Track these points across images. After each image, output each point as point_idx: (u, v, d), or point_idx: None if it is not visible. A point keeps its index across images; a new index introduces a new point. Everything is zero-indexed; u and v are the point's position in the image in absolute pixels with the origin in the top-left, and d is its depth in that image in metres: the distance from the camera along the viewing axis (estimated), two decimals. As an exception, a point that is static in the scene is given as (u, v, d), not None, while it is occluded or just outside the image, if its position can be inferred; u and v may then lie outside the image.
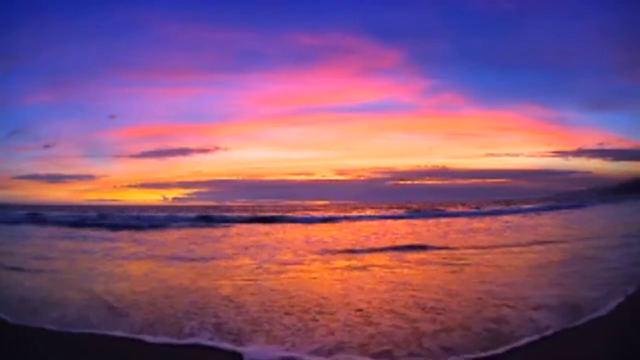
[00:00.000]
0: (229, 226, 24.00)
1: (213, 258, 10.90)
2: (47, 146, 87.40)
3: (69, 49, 69.33)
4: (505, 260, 9.78)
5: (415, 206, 52.76)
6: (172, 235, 18.46)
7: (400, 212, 40.05)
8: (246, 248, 13.18)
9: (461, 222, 25.30)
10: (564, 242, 12.93)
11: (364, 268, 9.09)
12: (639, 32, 67.24)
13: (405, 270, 8.74)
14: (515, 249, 11.60)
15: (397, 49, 69.34)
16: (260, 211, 46.60)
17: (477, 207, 46.29)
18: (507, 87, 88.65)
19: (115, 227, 22.87)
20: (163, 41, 70.89)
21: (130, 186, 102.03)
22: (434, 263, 9.62)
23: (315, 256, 11.09)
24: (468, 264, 9.31)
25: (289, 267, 9.29)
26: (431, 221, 27.05)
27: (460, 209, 44.15)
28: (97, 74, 76.13)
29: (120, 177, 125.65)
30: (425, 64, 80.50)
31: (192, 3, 66.71)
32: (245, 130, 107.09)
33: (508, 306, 5.66)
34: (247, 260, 10.37)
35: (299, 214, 37.03)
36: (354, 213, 41.62)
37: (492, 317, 5.18)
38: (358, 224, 26.01)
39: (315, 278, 8.10)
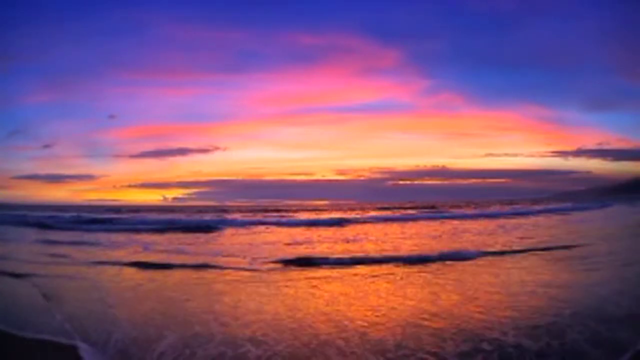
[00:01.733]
0: (216, 230, 22.00)
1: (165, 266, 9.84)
2: (47, 146, 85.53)
3: (69, 49, 68.49)
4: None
5: (420, 205, 48.89)
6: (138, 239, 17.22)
7: (415, 212, 36.27)
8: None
9: (497, 222, 23.24)
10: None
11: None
12: (639, 32, 66.38)
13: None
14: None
15: (397, 48, 68.02)
16: (261, 211, 42.78)
17: (476, 207, 43.07)
18: (506, 87, 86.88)
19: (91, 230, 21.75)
20: (163, 41, 69.51)
21: (130, 186, 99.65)
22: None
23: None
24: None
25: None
26: (467, 222, 24.29)
27: (471, 210, 40.67)
28: (97, 74, 74.99)
29: (120, 177, 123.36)
30: (425, 64, 79.26)
31: (192, 3, 65.84)
32: (245, 130, 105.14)
33: None
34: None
35: (303, 216, 33.38)
36: (367, 213, 38.21)
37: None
38: (381, 226, 22.86)
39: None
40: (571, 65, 73.78)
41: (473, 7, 61.50)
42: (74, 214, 34.67)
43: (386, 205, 58.36)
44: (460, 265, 9.18)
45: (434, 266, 9.13)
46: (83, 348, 4.31)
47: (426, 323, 5.03)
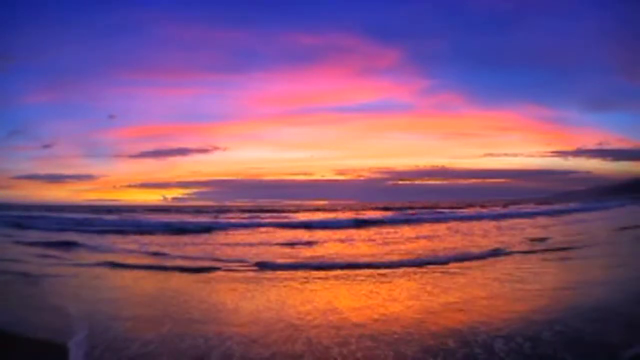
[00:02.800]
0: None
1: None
2: (46, 146, 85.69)
3: (69, 49, 69.97)
4: None
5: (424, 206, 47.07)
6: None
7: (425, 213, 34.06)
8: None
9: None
10: None
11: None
12: (639, 32, 66.43)
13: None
14: None
15: (396, 48, 68.50)
16: (260, 211, 41.12)
17: (486, 208, 41.55)
18: (506, 87, 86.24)
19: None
20: (163, 41, 69.90)
21: (129, 186, 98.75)
22: None
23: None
24: None
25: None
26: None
27: (478, 210, 39.13)
28: (97, 74, 76.44)
29: (119, 177, 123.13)
30: (424, 64, 79.23)
31: (192, 3, 65.90)
32: (245, 130, 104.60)
33: None
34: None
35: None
36: (370, 214, 36.20)
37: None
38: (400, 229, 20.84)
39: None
40: (571, 65, 74.25)
41: (473, 7, 61.89)
42: (60, 214, 33.61)
43: (388, 206, 56.45)
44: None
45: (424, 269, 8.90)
46: (71, 345, 4.32)
47: (398, 321, 4.85)
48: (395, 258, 10.06)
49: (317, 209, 51.59)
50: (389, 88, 75.94)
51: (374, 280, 7.57)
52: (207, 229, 20.84)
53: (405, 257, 10.04)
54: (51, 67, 69.48)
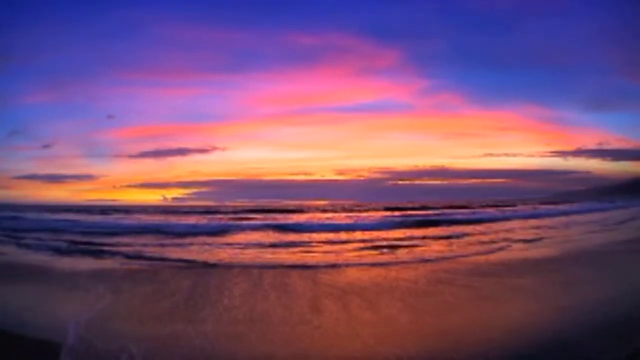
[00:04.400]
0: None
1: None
2: (46, 146, 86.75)
3: (69, 49, 69.29)
4: None
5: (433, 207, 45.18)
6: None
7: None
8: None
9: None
10: None
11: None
12: (639, 32, 66.09)
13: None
14: None
15: (395, 48, 68.42)
16: (259, 212, 39.27)
17: (501, 209, 39.82)
18: (506, 87, 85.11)
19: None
20: (163, 41, 70.67)
21: (129, 186, 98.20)
22: None
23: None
24: None
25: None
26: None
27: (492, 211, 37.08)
28: (96, 74, 75.80)
29: (119, 177, 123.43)
30: (424, 64, 78.76)
31: (192, 3, 66.75)
32: (244, 130, 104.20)
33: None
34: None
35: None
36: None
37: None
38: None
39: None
40: (571, 65, 73.90)
41: (472, 7, 61.80)
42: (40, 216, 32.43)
43: (388, 206, 54.64)
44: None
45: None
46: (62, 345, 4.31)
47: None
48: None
49: (317, 209, 50.21)
50: (389, 88, 75.49)
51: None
52: (187, 232, 19.23)
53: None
54: (51, 67, 69.15)
